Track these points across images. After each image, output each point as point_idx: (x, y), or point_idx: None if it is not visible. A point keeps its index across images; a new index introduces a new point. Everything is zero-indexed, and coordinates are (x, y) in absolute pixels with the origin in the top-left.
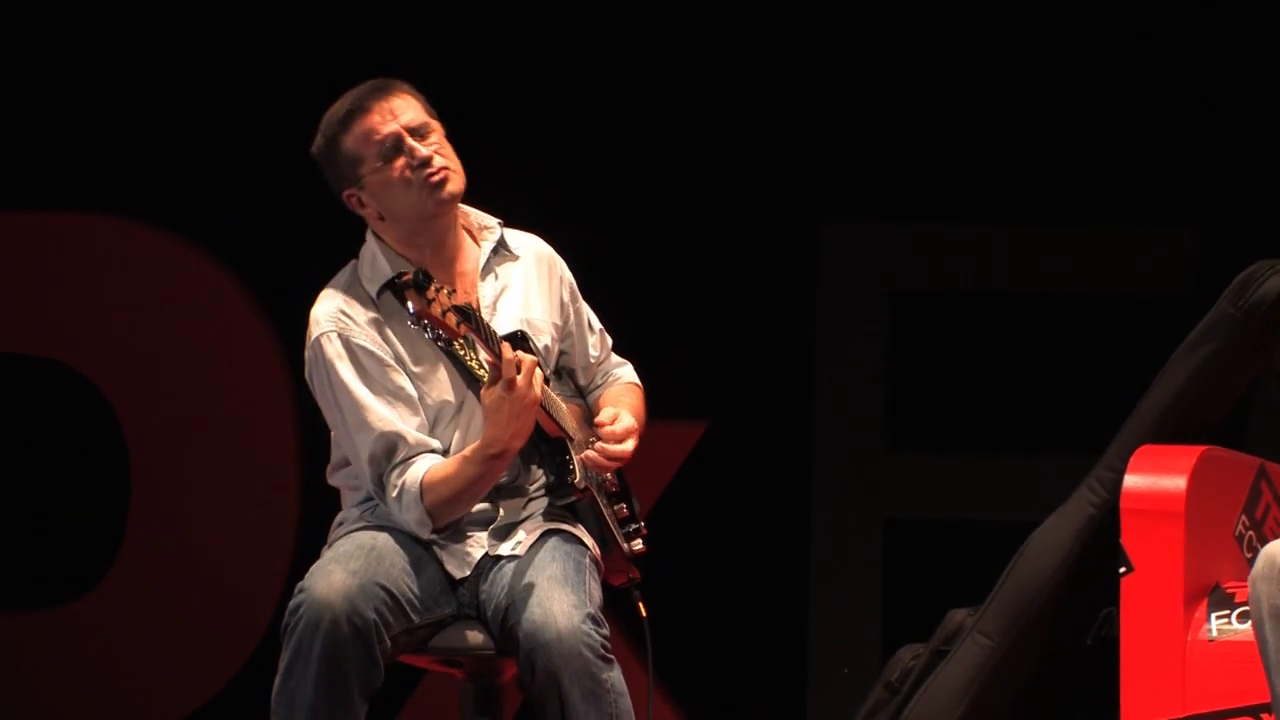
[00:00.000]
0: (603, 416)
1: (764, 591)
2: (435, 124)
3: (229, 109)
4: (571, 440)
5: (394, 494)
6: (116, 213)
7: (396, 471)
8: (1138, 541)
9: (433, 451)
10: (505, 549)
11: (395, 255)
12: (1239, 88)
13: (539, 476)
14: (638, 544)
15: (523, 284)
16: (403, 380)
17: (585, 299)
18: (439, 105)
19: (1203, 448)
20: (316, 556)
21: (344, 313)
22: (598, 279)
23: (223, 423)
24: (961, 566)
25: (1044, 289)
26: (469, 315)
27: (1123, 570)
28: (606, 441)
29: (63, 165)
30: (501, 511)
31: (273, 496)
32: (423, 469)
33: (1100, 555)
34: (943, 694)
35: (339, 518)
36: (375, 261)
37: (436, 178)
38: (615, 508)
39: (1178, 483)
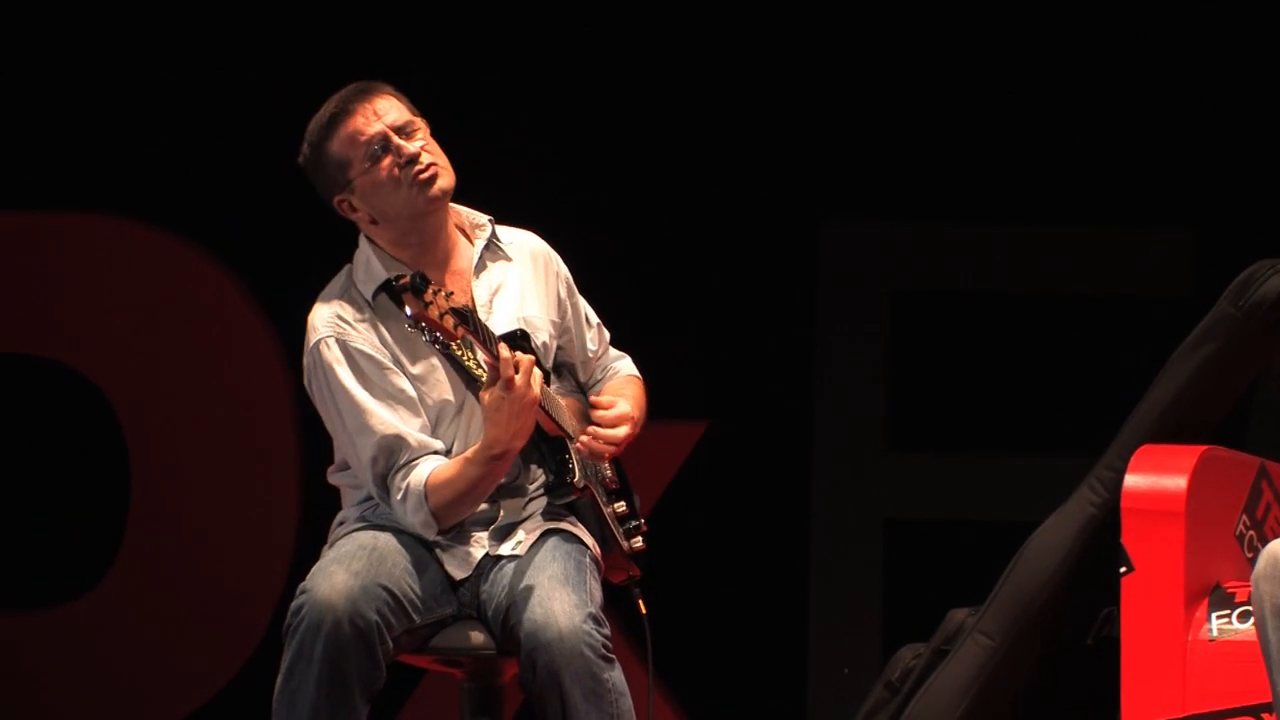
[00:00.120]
0: (600, 401)
1: (764, 591)
2: (420, 122)
3: (229, 109)
4: (571, 439)
5: (398, 497)
6: (116, 213)
7: (400, 474)
8: (1138, 541)
9: (435, 453)
10: (506, 549)
11: (389, 258)
12: (1239, 88)
13: (539, 476)
14: (638, 541)
15: (519, 281)
16: (402, 383)
17: (585, 299)
18: (438, 105)
19: (1203, 447)
20: (316, 556)
21: (341, 317)
22: (597, 278)
23: (223, 423)
24: (961, 566)
25: (1044, 289)
26: (466, 317)
27: (1123, 570)
28: (600, 426)
29: (63, 165)
30: (502, 512)
31: (273, 497)
32: (426, 471)
33: (1101, 555)
34: (943, 693)
35: (339, 517)
36: (369, 265)
37: (425, 174)
38: (615, 505)
39: (1178, 482)
